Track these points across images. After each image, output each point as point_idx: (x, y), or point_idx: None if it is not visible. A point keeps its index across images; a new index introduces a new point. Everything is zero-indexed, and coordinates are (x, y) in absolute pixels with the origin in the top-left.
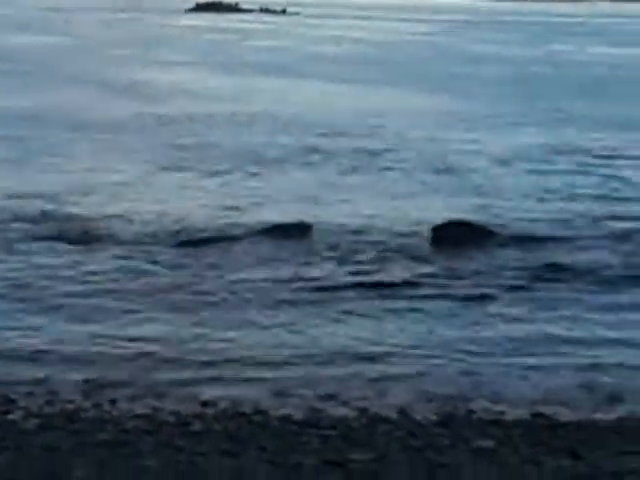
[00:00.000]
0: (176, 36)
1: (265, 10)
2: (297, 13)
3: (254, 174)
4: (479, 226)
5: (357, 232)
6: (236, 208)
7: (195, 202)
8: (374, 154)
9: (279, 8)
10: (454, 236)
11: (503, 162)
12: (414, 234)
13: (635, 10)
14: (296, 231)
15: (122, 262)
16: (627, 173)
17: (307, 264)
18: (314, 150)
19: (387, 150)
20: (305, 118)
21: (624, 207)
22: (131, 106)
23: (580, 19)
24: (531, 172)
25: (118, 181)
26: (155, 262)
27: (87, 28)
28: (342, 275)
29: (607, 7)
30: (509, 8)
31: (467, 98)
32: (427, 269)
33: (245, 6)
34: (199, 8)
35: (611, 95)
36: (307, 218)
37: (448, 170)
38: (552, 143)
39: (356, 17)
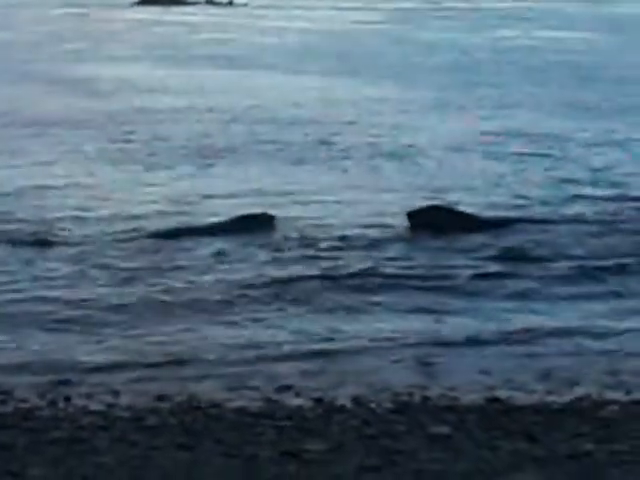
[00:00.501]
0: (123, 30)
1: (211, 2)
2: (244, 4)
3: (208, 166)
4: (454, 211)
5: (325, 223)
6: (192, 202)
7: (149, 197)
8: (327, 143)
9: (225, 0)
10: (431, 222)
11: (457, 148)
12: (387, 222)
13: None
14: (259, 223)
15: (73, 264)
16: (577, 155)
17: (271, 258)
18: (266, 141)
19: (340, 139)
20: (255, 109)
21: (580, 190)
22: (80, 101)
23: (527, 4)
24: (486, 156)
25: (68, 178)
26: (108, 261)
27: (31, 23)
28: (307, 268)
29: None
30: None
31: (418, 85)
32: (401, 257)
33: None
34: (145, 1)
35: (559, 79)
36: (267, 210)
37: (402, 157)
38: (504, 127)
39: (303, 7)
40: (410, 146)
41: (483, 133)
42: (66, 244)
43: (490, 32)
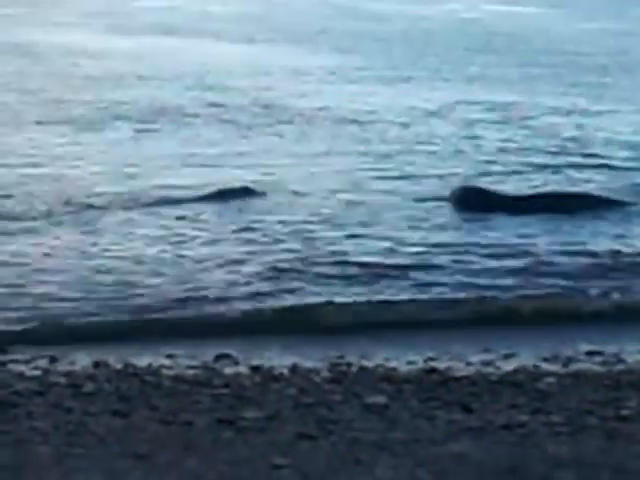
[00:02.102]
0: None
1: None
2: None
3: (157, 131)
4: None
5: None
6: (165, 170)
7: (91, 168)
8: (279, 110)
9: None
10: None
11: (420, 118)
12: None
13: None
14: (241, 196)
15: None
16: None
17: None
18: (216, 106)
19: (290, 106)
20: (200, 76)
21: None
22: (20, 65)
23: None
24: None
25: (5, 147)
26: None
27: None
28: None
29: None
30: None
31: (369, 56)
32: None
33: None
34: None
35: (509, 52)
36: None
37: (360, 123)
38: (466, 99)
39: None
40: (368, 112)
41: (446, 104)
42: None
43: (439, 4)
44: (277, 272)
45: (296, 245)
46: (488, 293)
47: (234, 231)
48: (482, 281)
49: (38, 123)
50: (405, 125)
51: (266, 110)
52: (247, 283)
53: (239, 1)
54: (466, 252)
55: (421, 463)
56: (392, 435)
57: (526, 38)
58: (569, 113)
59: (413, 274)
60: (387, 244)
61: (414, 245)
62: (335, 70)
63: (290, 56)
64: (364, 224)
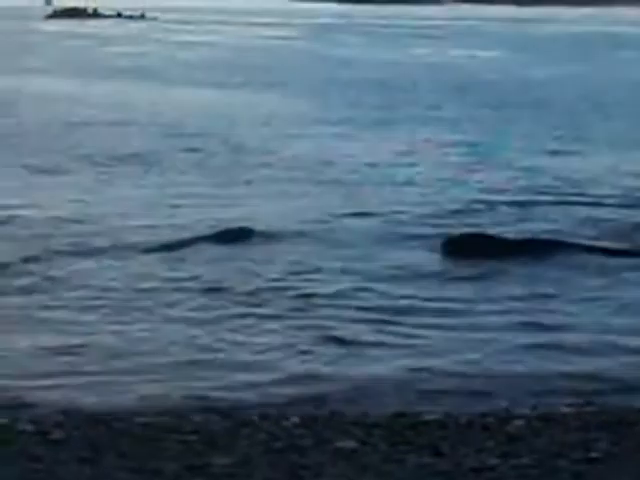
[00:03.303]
0: (36, 43)
1: (124, 16)
2: (155, 18)
3: (126, 176)
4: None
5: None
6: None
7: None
8: (244, 155)
9: (137, 13)
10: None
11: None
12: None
13: (496, 12)
14: (236, 238)
15: None
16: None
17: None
18: (191, 150)
19: (258, 152)
20: (170, 122)
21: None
22: None
23: (440, 22)
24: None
25: None
26: None
27: None
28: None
29: (468, 10)
30: (369, 12)
31: (340, 101)
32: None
33: (104, 12)
34: (58, 14)
35: (474, 96)
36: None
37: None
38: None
39: (216, 22)
40: (343, 156)
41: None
42: None
43: (405, 49)
44: None
45: None
46: None
47: None
48: None
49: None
50: (380, 166)
51: (238, 154)
52: None
53: (208, 48)
54: None
55: None
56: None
57: (492, 82)
58: (538, 154)
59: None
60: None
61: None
62: (307, 114)
63: (260, 101)
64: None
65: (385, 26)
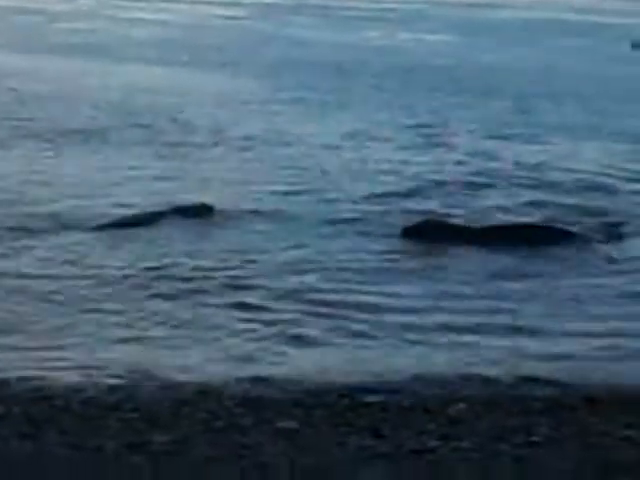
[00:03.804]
0: None
1: None
2: None
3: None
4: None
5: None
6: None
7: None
8: (201, 132)
9: None
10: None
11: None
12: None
13: None
14: (196, 214)
15: None
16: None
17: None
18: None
19: (216, 130)
20: (119, 99)
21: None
22: None
23: (392, 5)
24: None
25: None
26: None
27: None
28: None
29: None
30: None
31: (290, 81)
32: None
33: None
34: None
35: (424, 79)
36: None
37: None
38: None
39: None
40: (293, 135)
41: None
42: None
43: (356, 32)
44: None
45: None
46: None
47: None
48: None
49: None
50: (334, 148)
51: (188, 132)
52: None
53: (159, 26)
54: None
55: None
56: (302, 460)
57: (442, 66)
58: (489, 138)
59: None
60: None
61: None
62: (258, 94)
63: (211, 80)
64: None
65: (336, 8)
